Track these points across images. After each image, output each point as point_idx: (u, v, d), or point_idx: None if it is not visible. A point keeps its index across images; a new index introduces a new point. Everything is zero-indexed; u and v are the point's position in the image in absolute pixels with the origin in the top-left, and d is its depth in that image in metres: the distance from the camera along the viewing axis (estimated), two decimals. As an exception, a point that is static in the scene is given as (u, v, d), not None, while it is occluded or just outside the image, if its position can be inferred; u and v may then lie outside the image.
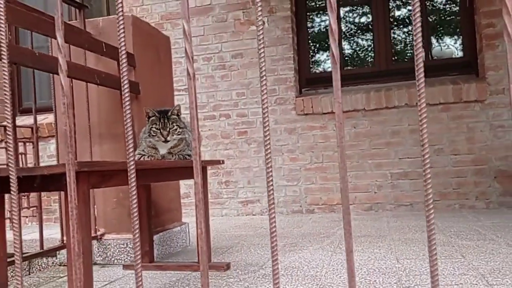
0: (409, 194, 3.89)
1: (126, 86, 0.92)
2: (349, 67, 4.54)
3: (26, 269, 2.63)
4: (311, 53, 4.58)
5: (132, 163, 0.93)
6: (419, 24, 0.73)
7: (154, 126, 1.83)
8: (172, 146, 1.84)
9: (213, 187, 4.32)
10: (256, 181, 4.24)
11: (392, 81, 4.13)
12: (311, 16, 4.57)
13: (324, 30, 4.57)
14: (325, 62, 4.60)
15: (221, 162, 2.21)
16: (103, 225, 2.43)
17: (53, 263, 2.47)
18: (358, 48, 4.63)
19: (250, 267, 2.14)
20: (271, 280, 1.87)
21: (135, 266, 0.90)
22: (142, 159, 1.82)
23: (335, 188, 4.03)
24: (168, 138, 1.81)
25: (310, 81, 4.38)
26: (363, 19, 4.57)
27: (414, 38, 0.75)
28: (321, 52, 4.63)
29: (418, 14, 0.74)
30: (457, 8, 4.28)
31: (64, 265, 2.37)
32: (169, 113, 1.85)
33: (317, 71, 4.56)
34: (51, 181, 1.30)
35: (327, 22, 4.58)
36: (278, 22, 4.22)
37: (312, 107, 4.09)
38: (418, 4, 0.74)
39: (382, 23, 4.28)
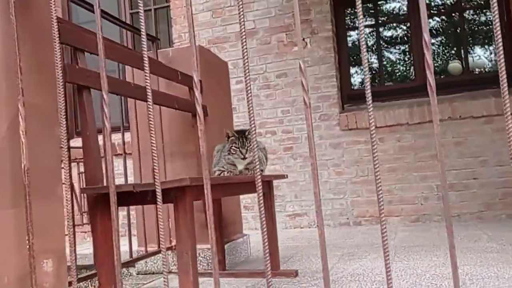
0: (455, 205, 3.96)
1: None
2: (390, 83, 4.68)
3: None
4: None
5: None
6: (499, 37, 0.88)
7: (233, 145, 2.03)
8: (249, 162, 2.03)
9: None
10: (303, 195, 4.39)
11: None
12: (347, 33, 4.75)
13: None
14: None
15: (285, 176, 2.39)
16: (174, 237, 2.63)
17: (129, 273, 2.68)
18: (398, 63, 4.78)
19: (316, 273, 2.29)
20: (340, 285, 2.03)
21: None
22: (222, 174, 2.02)
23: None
24: (246, 155, 2.00)
25: (351, 97, 4.53)
26: (400, 33, 4.72)
27: (497, 51, 0.90)
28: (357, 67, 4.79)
29: (498, 24, 0.88)
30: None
31: (142, 274, 2.58)
32: (246, 133, 2.05)
33: (356, 87, 4.72)
34: (162, 195, 1.51)
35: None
36: (320, 42, 4.42)
37: (356, 122, 4.24)
38: (497, 12, 0.89)
39: (420, 37, 4.41)
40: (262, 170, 2.10)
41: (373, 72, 4.72)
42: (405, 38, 4.69)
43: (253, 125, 1.07)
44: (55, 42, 1.19)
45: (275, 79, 4.55)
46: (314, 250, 3.03)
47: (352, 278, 2.13)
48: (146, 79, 1.11)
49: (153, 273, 2.60)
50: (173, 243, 2.59)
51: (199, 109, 1.09)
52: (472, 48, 4.54)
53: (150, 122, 1.12)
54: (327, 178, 4.32)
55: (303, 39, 4.49)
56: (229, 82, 3.14)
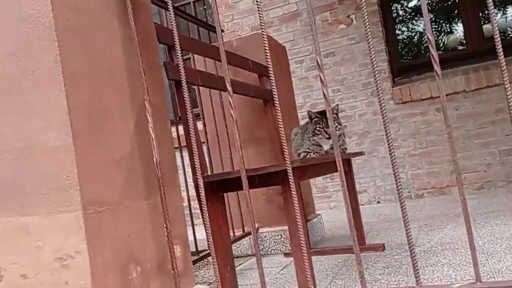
0: (521, 170, 3.90)
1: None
2: (440, 52, 4.60)
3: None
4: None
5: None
6: None
7: (317, 125, 2.07)
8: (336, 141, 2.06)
9: (318, 181, 4.55)
10: (360, 173, 4.41)
11: (487, 60, 4.15)
12: (393, 6, 4.68)
13: (408, 16, 4.66)
14: (412, 49, 4.69)
15: (363, 153, 2.43)
16: (256, 221, 2.72)
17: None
18: (448, 31, 4.69)
19: (403, 245, 2.33)
20: (434, 254, 2.05)
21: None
22: (308, 156, 2.06)
23: (443, 171, 4.12)
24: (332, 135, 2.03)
25: (401, 70, 4.49)
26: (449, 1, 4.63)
27: None
28: (408, 39, 4.73)
29: None
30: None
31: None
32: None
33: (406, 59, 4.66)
34: (269, 178, 1.57)
35: (408, 10, 4.68)
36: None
37: (410, 94, 4.20)
38: None
39: (470, 3, 4.31)
40: (346, 149, 2.13)
41: (423, 42, 4.65)
42: (452, 6, 4.59)
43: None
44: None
45: (323, 59, 4.54)
46: (387, 224, 3.06)
47: (443, 247, 2.16)
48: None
49: (237, 257, 2.69)
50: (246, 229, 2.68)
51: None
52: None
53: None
54: (384, 153, 4.31)
55: (348, 16, 4.46)
56: (289, 65, 3.17)
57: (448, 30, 4.73)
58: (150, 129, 1.31)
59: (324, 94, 1.16)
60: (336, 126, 2.05)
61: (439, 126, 4.10)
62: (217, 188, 1.66)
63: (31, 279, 1.15)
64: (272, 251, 2.64)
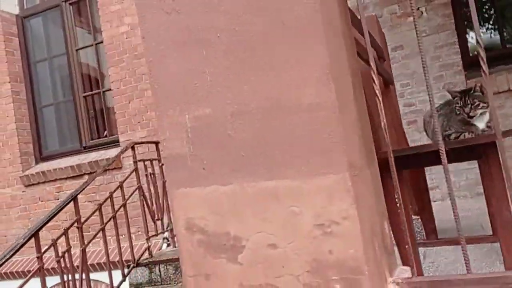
0: None
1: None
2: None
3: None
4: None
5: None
6: None
7: (456, 105, 1.98)
8: (489, 119, 1.97)
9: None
10: (432, 168, 4.29)
11: None
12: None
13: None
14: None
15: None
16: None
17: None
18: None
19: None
20: None
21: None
22: (462, 136, 1.95)
23: (522, 166, 4.00)
24: (471, 114, 1.94)
25: (471, 63, 4.39)
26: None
27: None
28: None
29: None
30: None
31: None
32: (471, 91, 1.99)
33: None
34: (466, 152, 1.48)
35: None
36: (437, 10, 4.30)
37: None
38: None
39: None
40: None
41: (491, 36, 4.56)
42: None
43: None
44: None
45: (391, 52, 4.44)
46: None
47: None
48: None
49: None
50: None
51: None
52: None
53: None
54: (458, 148, 4.20)
55: (418, 9, 4.38)
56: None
57: None
58: (377, 91, 1.22)
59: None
60: (478, 105, 1.95)
61: (502, 121, 3.99)
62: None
63: (282, 249, 1.05)
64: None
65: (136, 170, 3.72)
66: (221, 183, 1.09)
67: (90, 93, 5.89)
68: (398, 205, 1.16)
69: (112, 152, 5.36)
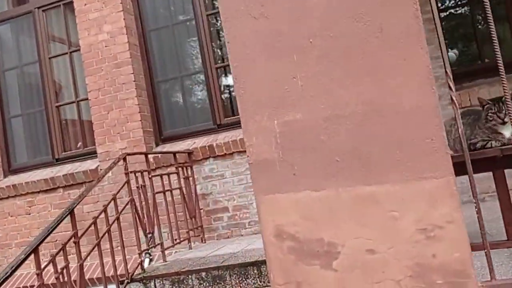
0: None
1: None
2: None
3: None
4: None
5: None
6: None
7: (489, 111, 2.04)
8: (518, 128, 2.03)
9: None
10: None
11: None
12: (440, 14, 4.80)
13: (455, 24, 4.80)
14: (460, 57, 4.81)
15: None
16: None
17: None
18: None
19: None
20: None
21: None
22: (488, 145, 2.01)
23: None
24: (505, 120, 2.00)
25: (456, 76, 4.56)
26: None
27: None
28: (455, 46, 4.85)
29: None
30: None
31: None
32: (503, 98, 2.05)
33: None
34: None
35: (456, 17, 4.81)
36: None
37: (469, 99, 4.28)
38: None
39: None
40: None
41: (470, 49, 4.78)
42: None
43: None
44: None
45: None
46: None
47: None
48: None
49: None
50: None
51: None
52: None
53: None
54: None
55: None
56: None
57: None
58: (453, 97, 1.24)
59: None
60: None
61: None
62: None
63: (381, 254, 1.04)
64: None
65: (128, 182, 3.59)
66: (313, 189, 1.07)
67: (63, 102, 5.66)
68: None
69: (88, 164, 5.17)
